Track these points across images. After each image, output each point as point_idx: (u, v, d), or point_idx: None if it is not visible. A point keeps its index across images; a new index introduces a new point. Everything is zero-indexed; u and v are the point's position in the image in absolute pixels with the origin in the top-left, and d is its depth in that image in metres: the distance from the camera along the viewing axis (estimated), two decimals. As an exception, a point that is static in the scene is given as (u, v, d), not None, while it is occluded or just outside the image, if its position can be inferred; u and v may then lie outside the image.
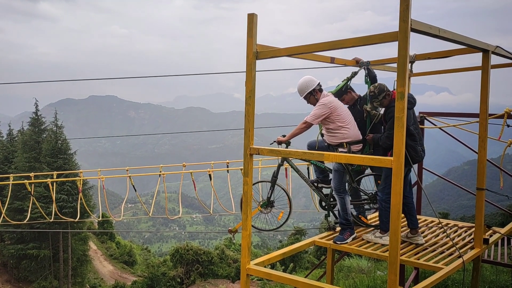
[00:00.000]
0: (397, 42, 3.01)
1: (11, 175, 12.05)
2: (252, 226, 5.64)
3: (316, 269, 15.10)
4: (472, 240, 4.79)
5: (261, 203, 5.23)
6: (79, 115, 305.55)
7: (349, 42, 3.36)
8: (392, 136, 4.55)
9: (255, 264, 4.21)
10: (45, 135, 28.81)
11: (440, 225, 5.60)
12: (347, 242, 4.81)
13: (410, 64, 5.43)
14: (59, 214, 11.77)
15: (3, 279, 26.95)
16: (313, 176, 5.96)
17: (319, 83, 4.86)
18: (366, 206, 5.13)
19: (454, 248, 4.57)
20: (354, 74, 4.98)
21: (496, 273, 7.67)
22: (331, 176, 5.16)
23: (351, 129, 4.78)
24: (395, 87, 4.96)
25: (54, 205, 10.49)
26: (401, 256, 4.31)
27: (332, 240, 4.90)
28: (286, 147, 4.84)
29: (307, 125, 4.70)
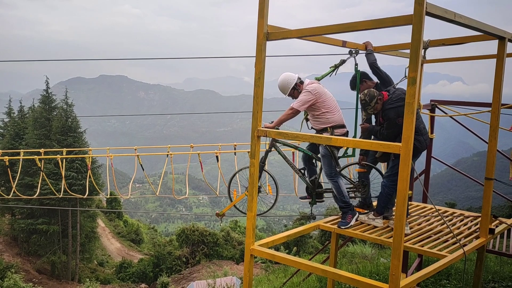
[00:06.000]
0: (411, 27, 2.95)
1: (22, 150, 12.23)
2: (239, 210, 5.71)
3: (320, 254, 15.24)
4: (477, 230, 4.77)
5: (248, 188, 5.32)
6: (89, 94, 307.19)
7: (361, 24, 3.30)
8: (388, 139, 4.49)
9: (259, 245, 4.25)
10: (55, 113, 29.05)
11: (445, 214, 5.59)
12: (351, 226, 4.83)
13: (423, 50, 5.33)
14: (68, 191, 11.95)
15: (13, 252, 27.66)
16: (298, 165, 6.00)
17: (298, 77, 5.00)
18: (351, 195, 5.12)
19: (458, 236, 4.57)
20: (343, 62, 4.94)
21: (500, 264, 7.65)
22: (318, 165, 5.18)
23: (335, 114, 4.89)
24: (406, 74, 4.86)
25: (63, 181, 10.64)
26: (405, 242, 4.32)
27: (336, 225, 4.93)
28: None
29: (294, 111, 4.76)
